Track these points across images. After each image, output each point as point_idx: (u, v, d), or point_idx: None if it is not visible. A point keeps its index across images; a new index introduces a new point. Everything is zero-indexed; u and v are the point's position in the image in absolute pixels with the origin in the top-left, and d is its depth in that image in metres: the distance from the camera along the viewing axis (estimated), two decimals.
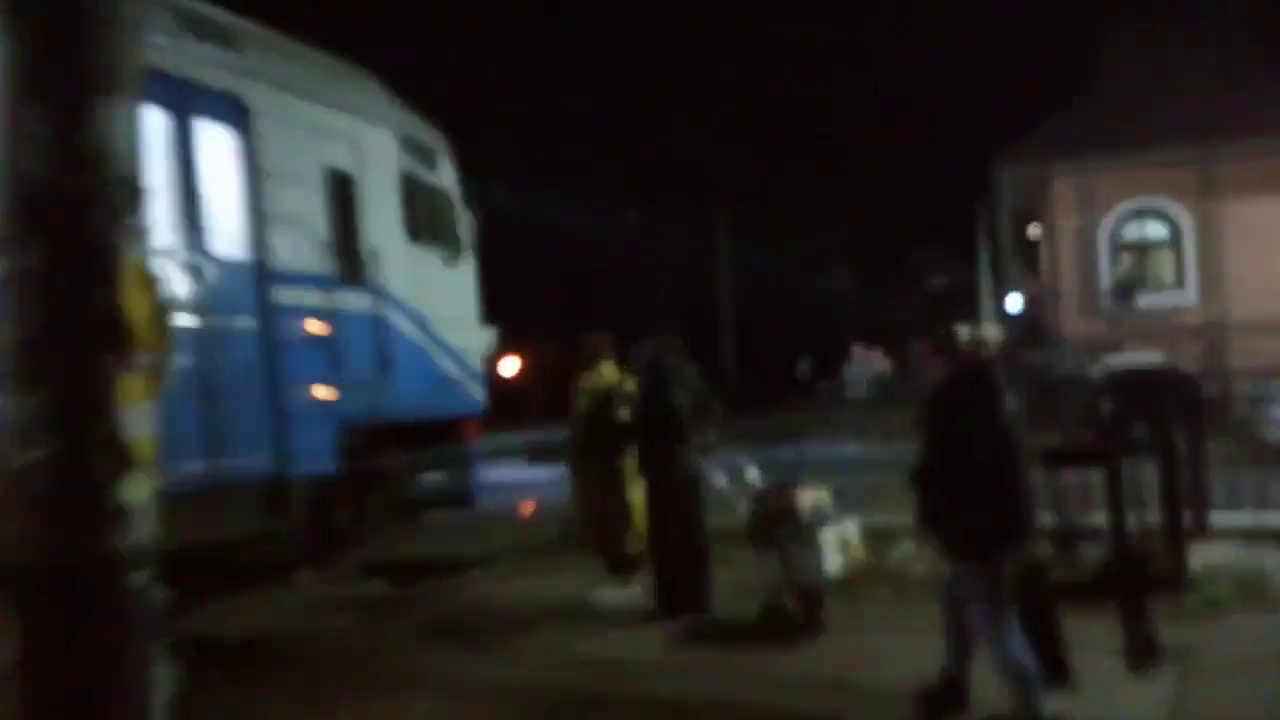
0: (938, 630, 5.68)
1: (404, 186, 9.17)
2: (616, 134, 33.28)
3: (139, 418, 2.71)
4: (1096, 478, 7.59)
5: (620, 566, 7.20)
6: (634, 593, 6.82)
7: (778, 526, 5.77)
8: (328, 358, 7.90)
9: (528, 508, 12.31)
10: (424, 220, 9.49)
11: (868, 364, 17.79)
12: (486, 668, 5.72)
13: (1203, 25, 22.46)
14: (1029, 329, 21.89)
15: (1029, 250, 25.63)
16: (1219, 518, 7.35)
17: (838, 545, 5.80)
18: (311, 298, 7.81)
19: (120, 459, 2.64)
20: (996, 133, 22.55)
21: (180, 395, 5.85)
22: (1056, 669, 4.46)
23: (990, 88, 35.86)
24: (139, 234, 2.77)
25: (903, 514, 8.52)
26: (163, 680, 2.79)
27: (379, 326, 8.56)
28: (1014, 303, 23.33)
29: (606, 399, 7.14)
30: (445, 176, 10.11)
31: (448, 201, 10.08)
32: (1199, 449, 6.74)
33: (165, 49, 6.60)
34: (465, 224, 10.30)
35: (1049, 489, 8.24)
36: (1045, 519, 7.79)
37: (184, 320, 6.31)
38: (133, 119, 2.74)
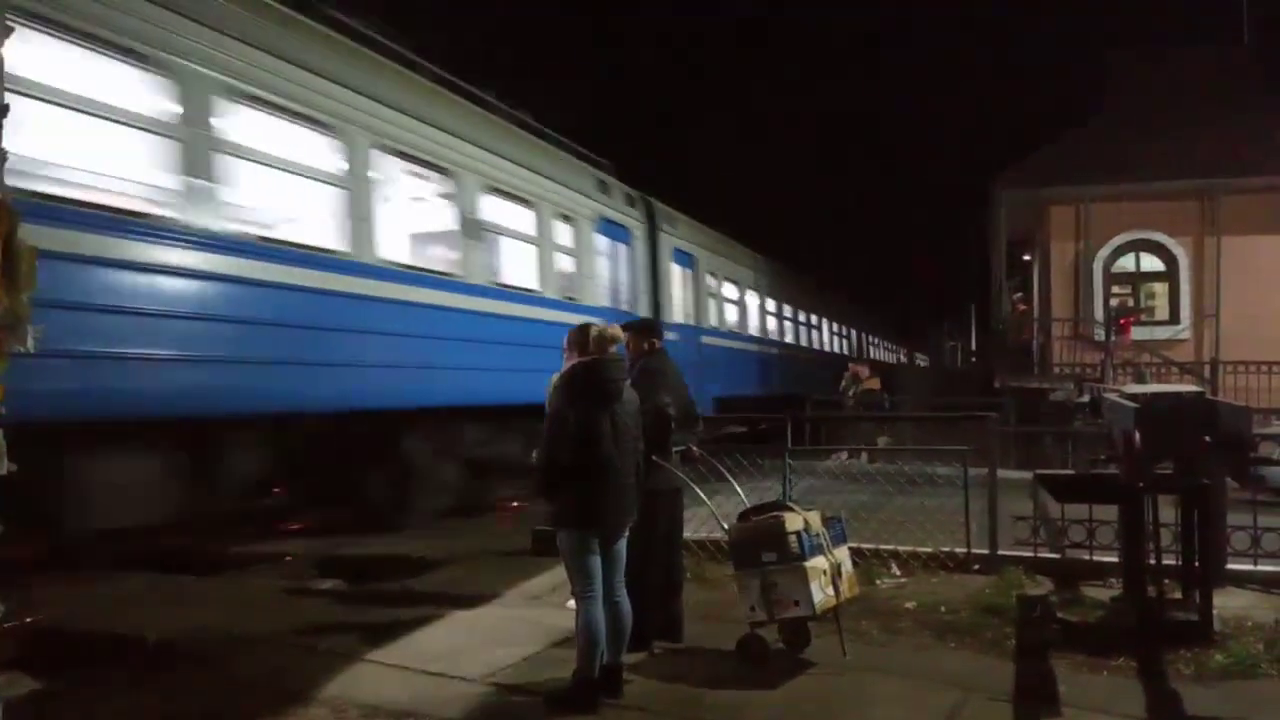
0: (923, 670, 5.17)
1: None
2: None
3: None
4: (1102, 513, 7.14)
5: None
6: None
7: (764, 549, 5.18)
8: None
9: (506, 514, 11.73)
10: None
11: (859, 380, 18.07)
12: (424, 688, 5.13)
13: (1210, 57, 22.24)
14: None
15: (1021, 275, 25.25)
16: (1232, 563, 6.84)
17: (828, 574, 5.20)
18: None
19: None
20: (999, 159, 22.15)
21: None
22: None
23: (994, 116, 35.68)
24: None
25: (888, 536, 8.13)
26: None
27: None
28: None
29: None
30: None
31: None
32: (1223, 489, 6.16)
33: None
34: None
35: (1048, 524, 7.78)
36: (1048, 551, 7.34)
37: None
38: None
